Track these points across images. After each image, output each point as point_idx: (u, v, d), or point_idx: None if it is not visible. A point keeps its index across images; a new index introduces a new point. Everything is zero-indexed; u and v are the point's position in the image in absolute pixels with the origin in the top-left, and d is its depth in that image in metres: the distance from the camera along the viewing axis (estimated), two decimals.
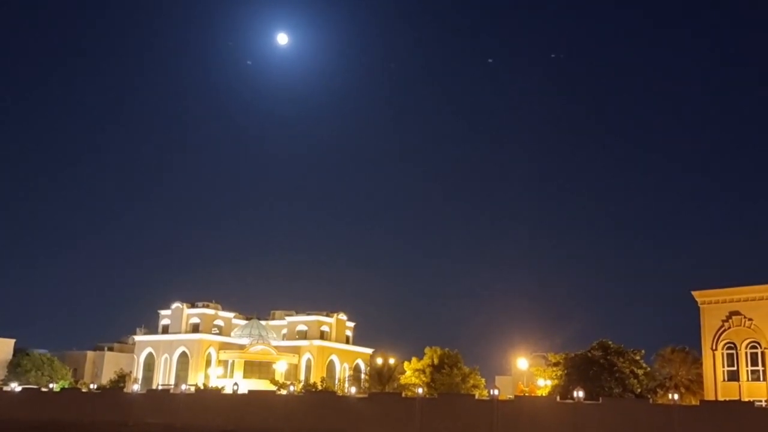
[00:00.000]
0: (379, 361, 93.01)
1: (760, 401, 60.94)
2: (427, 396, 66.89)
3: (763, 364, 64.65)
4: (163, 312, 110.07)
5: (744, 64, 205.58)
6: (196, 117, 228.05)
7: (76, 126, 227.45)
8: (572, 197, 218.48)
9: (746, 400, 61.17)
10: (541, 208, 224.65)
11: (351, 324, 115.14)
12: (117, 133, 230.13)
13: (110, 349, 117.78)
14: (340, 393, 78.24)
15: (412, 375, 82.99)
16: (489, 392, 60.92)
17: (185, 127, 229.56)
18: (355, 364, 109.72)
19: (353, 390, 69.22)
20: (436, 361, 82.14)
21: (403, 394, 68.55)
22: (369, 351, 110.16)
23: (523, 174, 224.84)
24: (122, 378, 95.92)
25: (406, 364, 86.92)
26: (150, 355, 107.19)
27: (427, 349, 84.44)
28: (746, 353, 65.79)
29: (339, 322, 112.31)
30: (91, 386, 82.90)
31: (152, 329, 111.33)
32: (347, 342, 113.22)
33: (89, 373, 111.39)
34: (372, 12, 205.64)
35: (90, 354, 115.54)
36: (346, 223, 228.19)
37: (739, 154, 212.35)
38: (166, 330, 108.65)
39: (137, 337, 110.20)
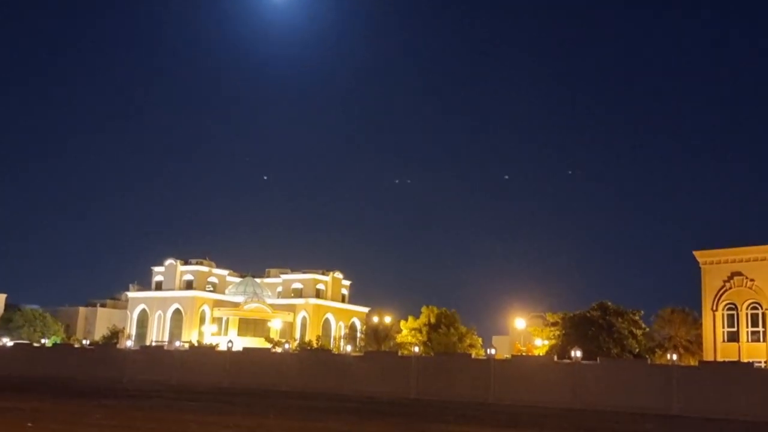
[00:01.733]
0: (375, 320, 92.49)
1: (760, 362, 60.57)
2: (423, 355, 66.38)
3: (764, 325, 64.04)
4: (156, 269, 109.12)
5: None
6: (190, 71, 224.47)
7: (71, 82, 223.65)
8: (572, 158, 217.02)
9: (746, 361, 60.76)
10: (541, 168, 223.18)
11: (347, 282, 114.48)
12: (108, 89, 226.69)
13: (103, 305, 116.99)
14: (335, 351, 77.78)
15: (409, 334, 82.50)
16: (486, 352, 60.37)
17: (178, 83, 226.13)
18: (350, 322, 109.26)
19: (349, 348, 68.73)
20: (432, 320, 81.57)
21: (399, 353, 67.97)
22: (365, 310, 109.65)
23: (523, 134, 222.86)
24: (115, 334, 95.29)
25: (402, 323, 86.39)
26: (143, 311, 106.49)
27: (423, 308, 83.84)
28: (747, 314, 65.12)
29: (335, 281, 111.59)
30: (84, 342, 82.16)
31: (145, 286, 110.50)
32: (343, 301, 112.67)
33: (81, 329, 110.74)
34: None
35: (82, 310, 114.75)
36: (342, 181, 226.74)
37: (741, 114, 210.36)
38: (159, 287, 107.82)
39: (130, 294, 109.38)
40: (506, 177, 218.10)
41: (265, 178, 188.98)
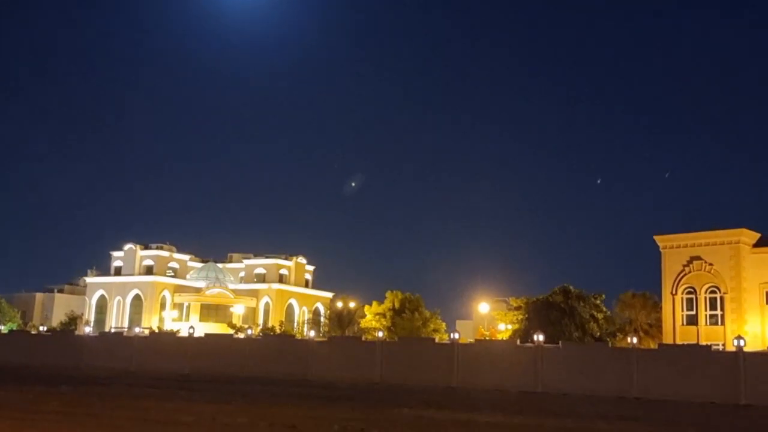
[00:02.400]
0: (339, 305, 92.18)
1: (718, 345, 61.76)
2: (388, 340, 66.27)
3: (722, 309, 65.21)
4: (115, 253, 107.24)
5: None
6: (151, 52, 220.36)
7: (24, 58, 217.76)
8: (533, 141, 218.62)
9: (704, 343, 61.89)
10: (503, 152, 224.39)
11: (310, 267, 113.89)
12: (67, 68, 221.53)
13: (60, 291, 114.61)
14: (299, 337, 77.32)
15: (373, 319, 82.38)
16: (450, 336, 60.52)
17: (139, 63, 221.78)
18: (314, 308, 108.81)
19: (312, 334, 68.29)
20: (397, 305, 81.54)
21: (364, 338, 67.79)
22: (329, 295, 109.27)
23: (484, 121, 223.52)
24: (73, 320, 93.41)
25: (366, 308, 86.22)
26: (102, 297, 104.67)
27: (388, 293, 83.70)
28: (705, 298, 66.24)
29: (298, 266, 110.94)
30: (41, 329, 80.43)
31: (104, 271, 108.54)
32: (306, 286, 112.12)
33: (38, 315, 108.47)
34: None
35: (39, 296, 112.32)
36: (306, 164, 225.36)
37: (701, 100, 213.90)
38: (118, 272, 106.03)
39: (89, 279, 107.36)
40: (468, 162, 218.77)
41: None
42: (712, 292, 66.09)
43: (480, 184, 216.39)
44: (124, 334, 75.51)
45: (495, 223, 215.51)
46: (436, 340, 65.36)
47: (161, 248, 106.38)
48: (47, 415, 22.46)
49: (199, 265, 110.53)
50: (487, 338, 73.39)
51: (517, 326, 72.12)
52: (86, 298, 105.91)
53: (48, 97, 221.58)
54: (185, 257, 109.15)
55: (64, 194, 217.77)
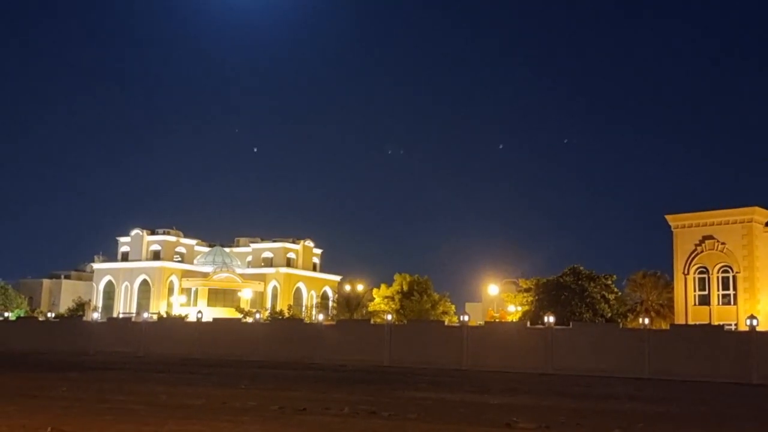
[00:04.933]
0: (348, 288, 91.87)
1: (730, 325, 61.22)
2: (396, 323, 65.96)
3: (734, 288, 64.56)
4: (122, 239, 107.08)
5: None
6: (156, 38, 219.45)
7: (32, 46, 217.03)
8: (543, 124, 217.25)
9: (716, 323, 61.35)
10: (512, 132, 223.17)
11: (318, 251, 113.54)
12: (71, 56, 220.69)
13: (67, 277, 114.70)
14: (307, 320, 77.11)
15: (381, 302, 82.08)
16: (459, 318, 60.12)
17: (144, 48, 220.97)
18: (322, 291, 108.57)
19: (321, 317, 68.03)
20: (405, 287, 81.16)
21: (372, 321, 67.42)
22: (337, 278, 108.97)
23: (493, 99, 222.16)
24: (81, 306, 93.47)
25: (375, 291, 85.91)
26: (110, 283, 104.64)
27: (396, 276, 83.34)
28: (718, 277, 65.59)
29: (306, 249, 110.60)
30: (49, 315, 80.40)
31: (111, 257, 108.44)
32: (314, 269, 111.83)
33: (46, 301, 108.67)
34: None
35: (46, 282, 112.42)
36: (311, 147, 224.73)
37: (710, 81, 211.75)
38: (125, 257, 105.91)
39: (96, 265, 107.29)
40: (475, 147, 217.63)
41: (255, 150, 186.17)
42: (725, 271, 65.40)
43: (488, 165, 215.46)
44: (132, 319, 75.35)
45: (504, 204, 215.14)
46: (446, 323, 65.08)
47: (168, 233, 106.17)
48: (57, 401, 22.12)
49: (206, 249, 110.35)
50: (496, 320, 72.96)
51: (527, 308, 71.69)
52: (93, 284, 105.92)
53: (53, 85, 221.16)
54: (192, 242, 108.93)
55: (70, 179, 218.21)
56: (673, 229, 68.00)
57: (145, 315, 73.00)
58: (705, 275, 66.11)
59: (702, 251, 66.11)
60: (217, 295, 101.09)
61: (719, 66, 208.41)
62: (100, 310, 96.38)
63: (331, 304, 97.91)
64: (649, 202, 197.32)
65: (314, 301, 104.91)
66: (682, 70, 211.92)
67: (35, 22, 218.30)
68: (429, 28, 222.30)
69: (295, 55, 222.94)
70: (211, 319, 69.98)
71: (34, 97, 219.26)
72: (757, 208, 64.99)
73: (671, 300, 68.81)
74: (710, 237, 65.79)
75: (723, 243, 65.00)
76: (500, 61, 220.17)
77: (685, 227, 67.28)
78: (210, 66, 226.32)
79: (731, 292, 64.79)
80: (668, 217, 68.49)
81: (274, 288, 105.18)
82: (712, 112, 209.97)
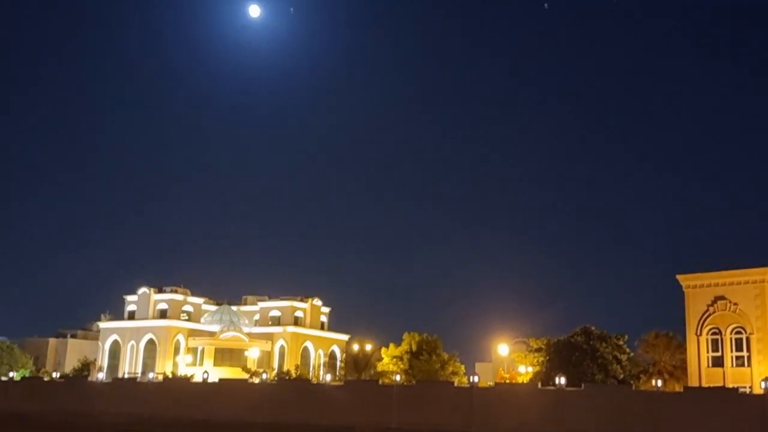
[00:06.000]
0: (356, 347, 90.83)
1: (745, 387, 60.04)
2: (405, 383, 65.09)
3: (748, 350, 63.46)
4: (129, 297, 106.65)
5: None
6: (165, 93, 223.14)
7: (35, 105, 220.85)
8: (554, 182, 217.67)
9: (730, 386, 60.22)
10: (522, 191, 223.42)
11: (326, 309, 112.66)
12: (79, 111, 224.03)
13: (73, 336, 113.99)
14: (314, 381, 76.18)
15: (390, 362, 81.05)
16: (468, 379, 59.36)
17: (153, 104, 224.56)
18: (330, 350, 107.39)
19: (328, 378, 67.23)
20: (414, 347, 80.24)
21: (380, 382, 66.58)
22: (345, 337, 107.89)
23: (504, 158, 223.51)
24: (86, 366, 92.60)
25: (383, 350, 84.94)
26: (116, 342, 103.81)
27: (405, 335, 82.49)
28: (731, 339, 64.53)
29: (313, 308, 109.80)
30: (54, 375, 79.70)
31: (118, 315, 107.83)
32: (322, 328, 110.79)
33: (51, 361, 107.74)
34: None
35: (52, 341, 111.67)
36: (321, 206, 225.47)
37: (721, 137, 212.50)
38: (132, 316, 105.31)
39: (102, 324, 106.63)
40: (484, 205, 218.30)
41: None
42: (738, 332, 64.43)
43: (498, 222, 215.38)
44: (138, 380, 74.70)
45: (514, 263, 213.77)
46: (455, 384, 64.16)
47: (175, 291, 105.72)
48: None
49: (214, 308, 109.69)
50: (507, 381, 71.87)
51: (538, 368, 70.61)
52: (99, 343, 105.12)
53: (59, 142, 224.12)
54: (199, 300, 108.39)
55: (78, 238, 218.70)
56: (684, 289, 67.32)
57: (151, 375, 72.26)
58: (718, 336, 65.08)
59: (714, 312, 65.27)
60: (224, 355, 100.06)
61: (739, 126, 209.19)
62: (105, 369, 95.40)
63: (338, 364, 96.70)
64: (660, 260, 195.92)
65: (322, 361, 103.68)
66: (698, 128, 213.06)
67: (36, 80, 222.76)
68: (435, 92, 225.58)
69: (302, 113, 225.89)
70: (217, 380, 69.29)
71: (41, 153, 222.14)
72: None
73: (684, 361, 67.62)
74: (722, 297, 65.01)
75: (735, 304, 64.20)
76: (511, 120, 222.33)
77: (697, 287, 66.58)
78: (218, 124, 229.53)
79: (745, 353, 63.68)
80: (680, 277, 67.89)
81: (282, 347, 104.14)
82: (724, 173, 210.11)
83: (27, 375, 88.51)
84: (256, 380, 68.34)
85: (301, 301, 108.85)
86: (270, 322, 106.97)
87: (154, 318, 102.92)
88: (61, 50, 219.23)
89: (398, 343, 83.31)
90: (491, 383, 65.79)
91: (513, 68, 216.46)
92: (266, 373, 72.38)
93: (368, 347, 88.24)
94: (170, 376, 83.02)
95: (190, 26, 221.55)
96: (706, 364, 65.22)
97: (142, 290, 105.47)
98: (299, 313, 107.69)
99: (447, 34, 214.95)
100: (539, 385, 59.83)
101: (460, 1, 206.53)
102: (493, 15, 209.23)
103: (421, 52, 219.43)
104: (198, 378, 71.93)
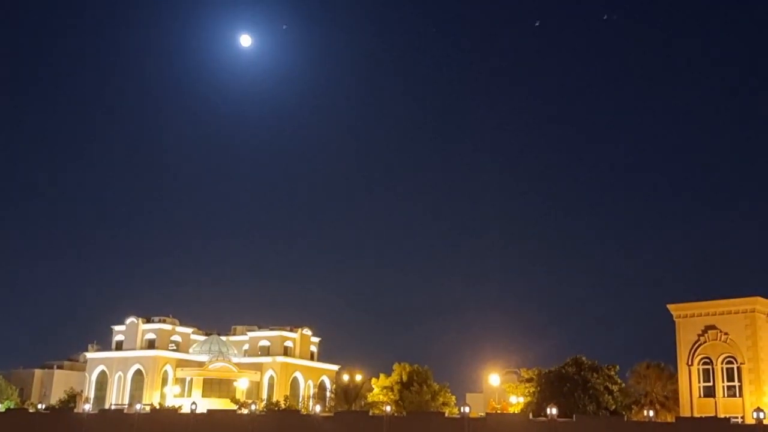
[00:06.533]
0: (346, 378, 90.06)
1: (737, 418, 59.88)
2: (396, 414, 64.54)
3: (740, 380, 63.38)
4: (116, 327, 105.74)
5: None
6: (155, 121, 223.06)
7: (26, 128, 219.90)
8: (545, 210, 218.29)
9: (722, 416, 60.10)
10: (512, 221, 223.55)
11: (316, 339, 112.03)
12: (66, 137, 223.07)
13: (60, 367, 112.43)
14: (304, 412, 75.46)
15: (380, 392, 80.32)
16: (459, 410, 58.99)
17: (141, 132, 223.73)
18: (320, 381, 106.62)
19: (318, 408, 66.63)
20: (405, 377, 79.57)
21: (371, 413, 66.04)
22: (335, 368, 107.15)
23: (494, 185, 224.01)
24: (73, 398, 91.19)
25: (373, 381, 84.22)
26: (102, 373, 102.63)
27: (395, 366, 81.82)
28: (722, 368, 64.49)
29: (303, 338, 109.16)
30: (39, 406, 78.51)
31: (105, 346, 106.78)
32: (312, 358, 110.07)
33: (37, 392, 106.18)
34: (337, 11, 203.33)
35: (38, 372, 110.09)
36: (310, 235, 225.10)
37: (714, 165, 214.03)
38: (120, 346, 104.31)
39: (89, 355, 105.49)
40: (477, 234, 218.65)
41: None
42: (729, 362, 64.40)
43: (489, 253, 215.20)
44: (125, 411, 73.73)
45: (504, 293, 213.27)
46: (446, 415, 63.67)
47: (164, 321, 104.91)
48: None
49: (202, 338, 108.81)
50: (498, 412, 71.36)
51: (529, 399, 70.24)
52: (86, 374, 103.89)
53: (45, 164, 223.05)
54: (188, 330, 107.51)
55: (65, 267, 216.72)
56: (675, 319, 67.38)
57: (138, 406, 71.34)
58: (709, 366, 64.98)
59: (705, 341, 65.27)
60: (213, 385, 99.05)
61: (723, 159, 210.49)
62: (92, 401, 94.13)
63: (328, 394, 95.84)
64: (651, 290, 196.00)
65: (311, 392, 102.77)
66: (681, 165, 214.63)
67: (34, 112, 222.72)
68: (424, 121, 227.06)
69: (290, 144, 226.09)
70: (205, 411, 68.48)
71: (26, 185, 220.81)
72: (759, 299, 64.51)
73: (676, 391, 67.43)
74: (713, 327, 65.05)
75: (726, 333, 64.23)
76: (495, 160, 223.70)
77: (688, 317, 66.64)
78: (206, 155, 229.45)
79: (736, 383, 63.57)
80: (670, 307, 67.98)
81: (271, 377, 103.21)
82: (715, 201, 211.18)
83: (12, 407, 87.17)
84: (245, 411, 67.67)
85: (291, 330, 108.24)
86: (259, 352, 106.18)
87: (142, 348, 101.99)
88: (46, 91, 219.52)
89: (389, 374, 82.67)
90: (482, 414, 65.31)
91: (512, 76, 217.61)
92: (255, 403, 71.64)
93: (358, 378, 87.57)
94: (158, 407, 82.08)
95: (180, 57, 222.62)
96: (697, 394, 65.08)
97: (130, 320, 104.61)
98: (289, 343, 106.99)
99: (444, 55, 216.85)
100: (531, 415, 59.54)
101: (452, 8, 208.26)
102: (489, 17, 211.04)
103: (420, 82, 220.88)
104: (186, 409, 71.17)
